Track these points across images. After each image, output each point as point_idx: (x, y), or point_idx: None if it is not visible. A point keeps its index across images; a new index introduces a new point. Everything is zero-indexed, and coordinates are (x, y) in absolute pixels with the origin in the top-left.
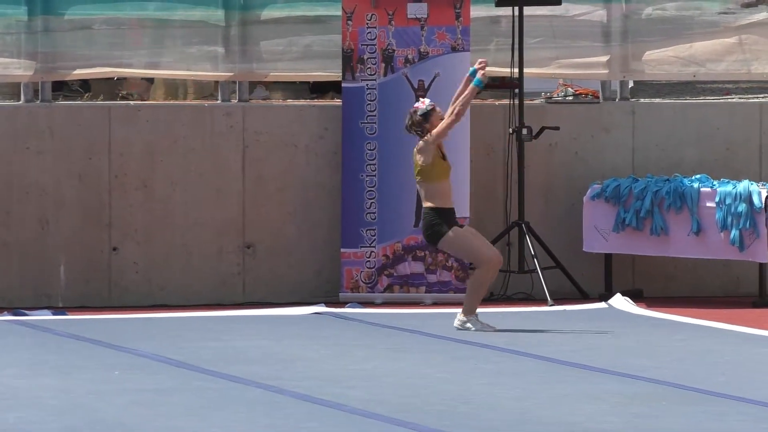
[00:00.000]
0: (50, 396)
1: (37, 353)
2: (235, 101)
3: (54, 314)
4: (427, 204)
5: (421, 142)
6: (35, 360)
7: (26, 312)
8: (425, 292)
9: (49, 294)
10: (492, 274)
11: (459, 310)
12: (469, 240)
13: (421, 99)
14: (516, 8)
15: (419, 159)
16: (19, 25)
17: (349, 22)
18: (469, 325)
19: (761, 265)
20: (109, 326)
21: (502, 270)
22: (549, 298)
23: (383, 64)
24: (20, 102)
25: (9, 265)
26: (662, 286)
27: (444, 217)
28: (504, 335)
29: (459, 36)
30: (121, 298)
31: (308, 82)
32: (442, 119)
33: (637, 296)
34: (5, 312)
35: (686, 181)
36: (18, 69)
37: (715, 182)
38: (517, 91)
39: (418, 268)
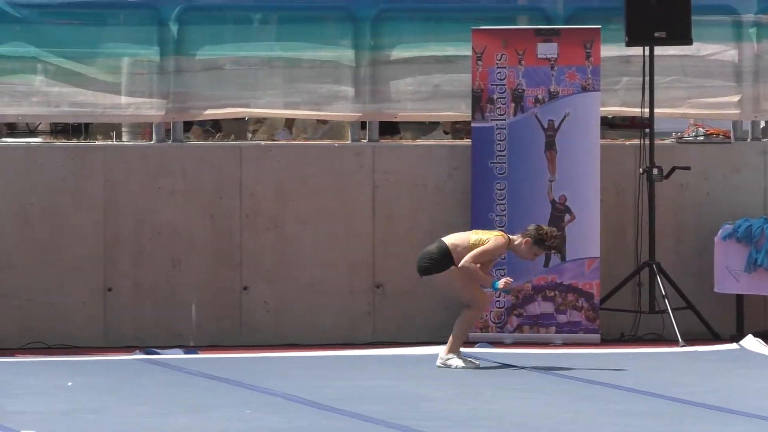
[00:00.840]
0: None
1: (169, 392)
2: (364, 141)
3: (185, 353)
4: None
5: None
6: (167, 398)
7: (158, 351)
8: (555, 332)
9: (181, 333)
10: (480, 316)
11: (591, 350)
12: (466, 280)
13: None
14: (647, 48)
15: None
16: (151, 66)
17: (479, 62)
18: (452, 362)
19: None
20: (240, 365)
21: (634, 310)
22: (680, 339)
23: (513, 104)
24: (152, 142)
25: (142, 305)
26: None
27: (452, 263)
28: (634, 376)
29: (589, 76)
30: (252, 337)
31: (439, 123)
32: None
33: None
34: (138, 351)
35: None
36: (150, 109)
37: None
38: (647, 130)
39: (548, 308)
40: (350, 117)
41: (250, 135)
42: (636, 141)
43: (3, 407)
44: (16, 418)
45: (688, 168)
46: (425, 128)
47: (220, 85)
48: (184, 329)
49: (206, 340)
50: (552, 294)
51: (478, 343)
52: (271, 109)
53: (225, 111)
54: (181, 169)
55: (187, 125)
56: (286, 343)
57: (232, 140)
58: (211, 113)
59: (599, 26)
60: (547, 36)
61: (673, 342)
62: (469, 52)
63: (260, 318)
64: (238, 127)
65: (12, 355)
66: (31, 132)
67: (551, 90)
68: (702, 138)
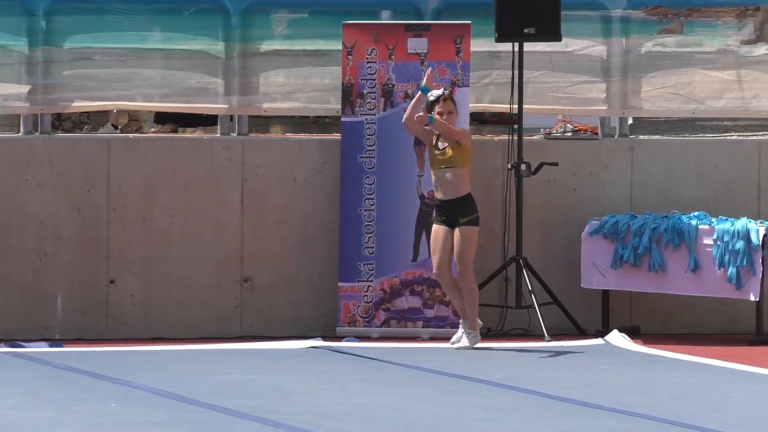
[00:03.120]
0: (47, 428)
1: (34, 385)
2: (234, 134)
3: (51, 346)
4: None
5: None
6: (32, 392)
7: (23, 344)
8: (422, 327)
9: (47, 326)
10: None
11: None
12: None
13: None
14: (516, 43)
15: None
16: (19, 57)
17: (350, 56)
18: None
19: (758, 302)
20: (107, 359)
21: (500, 305)
22: (546, 334)
23: (383, 99)
24: (20, 134)
25: (7, 298)
26: (659, 323)
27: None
28: (500, 370)
29: (459, 71)
30: (119, 330)
31: (308, 116)
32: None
33: (634, 333)
34: (2, 344)
35: (684, 218)
36: (17, 101)
37: (713, 220)
38: (516, 126)
39: (415, 302)
40: (218, 110)
41: (120, 128)
42: (505, 137)
43: None
44: None
45: (556, 164)
46: (297, 121)
47: (89, 77)
48: (50, 322)
49: (72, 334)
50: (419, 288)
51: (345, 337)
52: (141, 101)
53: (93, 104)
54: (49, 161)
55: (58, 117)
56: (153, 337)
57: (101, 132)
58: (80, 105)
59: (469, 22)
60: (417, 31)
61: (540, 337)
62: (340, 47)
63: (127, 311)
64: (109, 120)
65: None
66: None
67: (421, 85)
68: (570, 134)
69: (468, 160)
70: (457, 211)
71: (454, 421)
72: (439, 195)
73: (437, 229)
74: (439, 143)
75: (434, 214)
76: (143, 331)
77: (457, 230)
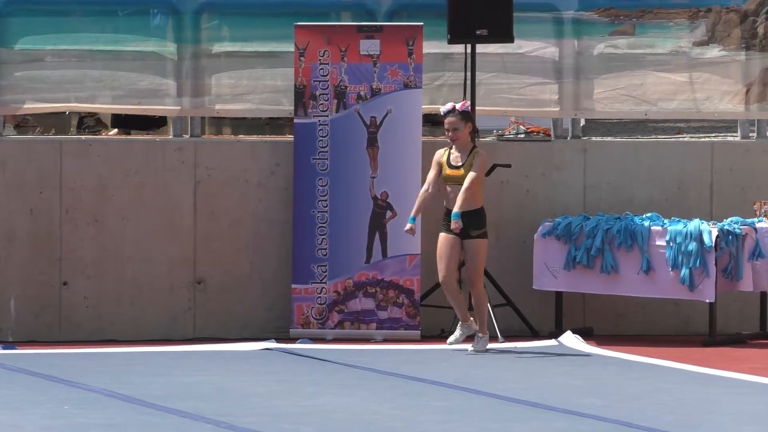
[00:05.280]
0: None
1: None
2: (186, 136)
3: (4, 348)
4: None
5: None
6: None
7: None
8: (376, 329)
9: (1, 328)
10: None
11: (412, 347)
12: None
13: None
14: (469, 45)
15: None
16: None
17: (302, 58)
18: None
19: (711, 304)
20: (60, 361)
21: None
22: (499, 336)
23: (335, 101)
24: None
25: None
26: (613, 325)
27: None
28: (454, 372)
29: (411, 73)
30: (72, 332)
31: (261, 118)
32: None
33: (587, 334)
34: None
35: (637, 220)
36: None
37: (665, 221)
38: None
39: (369, 304)
40: (170, 111)
41: (72, 130)
42: None
43: None
44: None
45: (509, 165)
46: (249, 123)
47: (40, 79)
48: (2, 324)
49: (25, 336)
50: (373, 290)
51: (299, 339)
52: (93, 103)
53: (45, 105)
54: (1, 162)
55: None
56: (107, 339)
57: (53, 134)
58: (31, 107)
59: (422, 23)
60: (369, 33)
61: (493, 338)
62: (292, 48)
63: (80, 313)
64: (61, 122)
65: None
66: None
67: (373, 87)
68: (523, 136)
69: (482, 178)
70: (468, 223)
71: (410, 423)
72: (449, 206)
73: (446, 237)
74: (451, 161)
75: (444, 223)
76: (96, 333)
77: (470, 242)
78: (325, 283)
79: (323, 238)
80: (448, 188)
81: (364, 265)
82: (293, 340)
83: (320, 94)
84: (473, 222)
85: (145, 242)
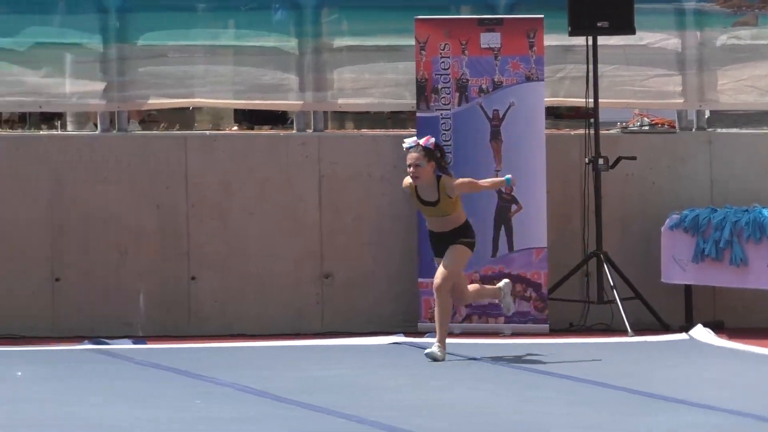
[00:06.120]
0: (131, 424)
1: (119, 382)
2: (310, 131)
3: (134, 343)
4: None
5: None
6: (117, 388)
7: (107, 341)
8: (504, 323)
9: (130, 323)
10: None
11: (540, 341)
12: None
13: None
14: (590, 37)
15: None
16: (94, 54)
17: (423, 51)
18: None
19: None
20: (190, 355)
21: (582, 300)
22: (629, 329)
23: (457, 94)
24: (97, 131)
25: (90, 295)
26: (742, 317)
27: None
28: (583, 366)
29: (533, 65)
30: (200, 327)
31: (383, 112)
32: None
33: (718, 327)
34: (86, 341)
35: (765, 212)
36: (93, 98)
37: None
38: (592, 120)
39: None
40: (293, 106)
41: (195, 124)
42: (581, 131)
43: None
44: None
45: (634, 158)
46: (371, 117)
47: (163, 74)
48: (132, 319)
49: (155, 330)
50: None
51: (426, 333)
52: (215, 98)
53: (168, 101)
54: (127, 158)
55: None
56: (234, 333)
57: (177, 130)
58: (155, 102)
59: (542, 16)
60: (489, 26)
61: (622, 332)
62: (412, 42)
63: (208, 308)
64: (184, 117)
65: None
66: None
67: (495, 80)
68: (647, 128)
69: (458, 203)
70: (453, 238)
71: (539, 416)
72: (432, 228)
73: (437, 262)
74: (421, 195)
75: (431, 245)
76: (223, 328)
77: (451, 246)
78: None
79: None
80: (427, 219)
81: (490, 258)
82: (421, 334)
83: (442, 88)
84: (458, 235)
85: (269, 238)
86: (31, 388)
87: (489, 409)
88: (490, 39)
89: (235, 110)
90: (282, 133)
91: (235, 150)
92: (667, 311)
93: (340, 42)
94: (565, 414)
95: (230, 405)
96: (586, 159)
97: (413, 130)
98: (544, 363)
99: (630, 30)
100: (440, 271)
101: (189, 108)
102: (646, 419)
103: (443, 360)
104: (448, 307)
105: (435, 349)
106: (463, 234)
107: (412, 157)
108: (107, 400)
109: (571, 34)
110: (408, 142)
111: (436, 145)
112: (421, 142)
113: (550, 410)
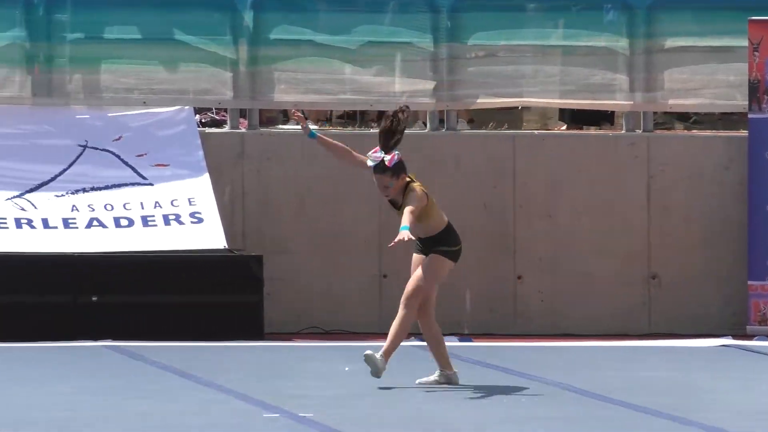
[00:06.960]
0: (459, 418)
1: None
2: (639, 131)
3: (460, 341)
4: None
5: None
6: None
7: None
8: None
9: (457, 321)
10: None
11: None
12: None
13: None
14: None
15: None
16: (424, 53)
17: (756, 53)
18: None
19: None
20: (516, 354)
21: None
22: None
23: None
24: (426, 130)
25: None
26: None
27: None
28: None
29: None
30: (525, 326)
31: (713, 113)
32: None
33: None
34: (413, 338)
35: None
36: (423, 97)
37: None
38: None
39: None
40: (622, 106)
41: (524, 124)
42: None
43: (281, 391)
44: (294, 402)
45: None
46: (699, 118)
47: (493, 74)
48: (458, 317)
49: (480, 328)
50: None
51: (756, 336)
52: (544, 98)
53: (498, 100)
54: (455, 157)
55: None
56: (559, 333)
57: (506, 129)
58: (484, 102)
59: None
60: None
61: None
62: (745, 42)
63: (534, 307)
64: (512, 116)
65: (290, 339)
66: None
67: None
68: None
69: (431, 210)
70: (433, 245)
71: None
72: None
73: (415, 258)
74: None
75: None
76: (549, 327)
77: (429, 255)
78: None
79: None
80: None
81: None
82: (750, 337)
83: None
84: (438, 242)
85: (598, 237)
86: (361, 384)
87: None
88: None
89: (560, 110)
90: (611, 133)
91: (564, 149)
92: None
93: (671, 42)
94: None
95: (556, 404)
96: None
97: (744, 132)
98: None
99: None
100: (408, 283)
101: (518, 107)
102: None
103: (383, 370)
104: (410, 323)
105: (377, 356)
106: (441, 242)
107: (378, 178)
108: (431, 397)
109: None
110: (373, 160)
111: (398, 157)
112: (387, 159)
113: None
